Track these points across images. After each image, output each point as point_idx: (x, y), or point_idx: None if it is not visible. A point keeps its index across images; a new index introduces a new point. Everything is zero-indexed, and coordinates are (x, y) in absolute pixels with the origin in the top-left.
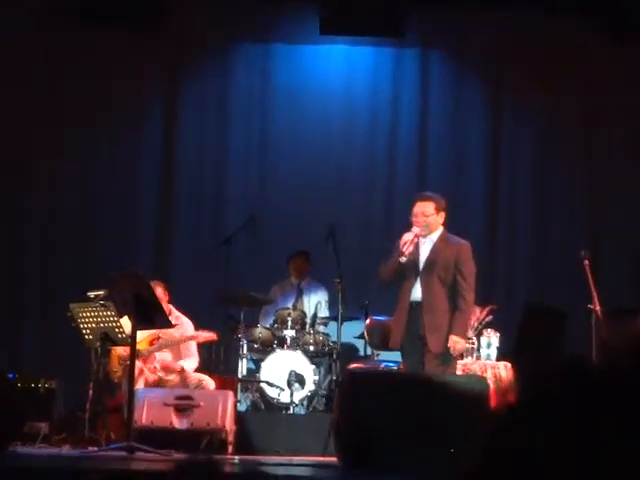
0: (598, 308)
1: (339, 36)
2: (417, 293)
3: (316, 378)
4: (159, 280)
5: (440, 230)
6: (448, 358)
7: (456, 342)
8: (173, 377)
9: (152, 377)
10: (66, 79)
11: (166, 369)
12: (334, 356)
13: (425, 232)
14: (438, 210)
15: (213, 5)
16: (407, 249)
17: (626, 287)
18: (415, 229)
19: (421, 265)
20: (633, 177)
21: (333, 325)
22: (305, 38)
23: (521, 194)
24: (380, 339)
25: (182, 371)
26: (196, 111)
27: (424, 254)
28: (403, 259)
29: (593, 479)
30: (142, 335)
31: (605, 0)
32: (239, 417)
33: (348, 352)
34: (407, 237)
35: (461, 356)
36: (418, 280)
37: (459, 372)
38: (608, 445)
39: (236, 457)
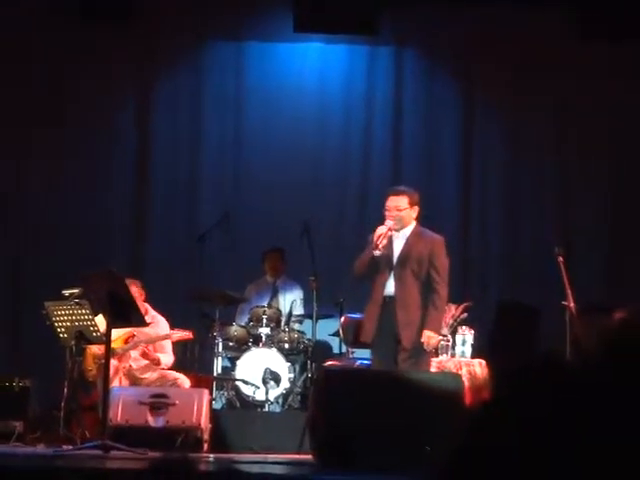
0: (572, 305)
1: (313, 34)
2: (390, 288)
3: (291, 376)
4: (134, 278)
5: (413, 224)
6: (421, 353)
7: (430, 337)
8: (148, 375)
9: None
10: (34, 78)
11: (144, 355)
12: (309, 354)
13: (398, 226)
14: (412, 204)
15: (186, 3)
16: (381, 242)
17: (597, 284)
18: (388, 223)
19: (394, 259)
20: (603, 174)
21: (308, 323)
22: (279, 36)
23: (493, 191)
24: (355, 336)
25: (158, 363)
26: (169, 110)
27: (397, 248)
28: (377, 253)
29: (567, 475)
30: (117, 333)
31: None
32: (214, 415)
33: (323, 350)
34: (381, 230)
35: (435, 352)
36: (392, 275)
37: (434, 369)
38: (582, 441)
39: (211, 455)
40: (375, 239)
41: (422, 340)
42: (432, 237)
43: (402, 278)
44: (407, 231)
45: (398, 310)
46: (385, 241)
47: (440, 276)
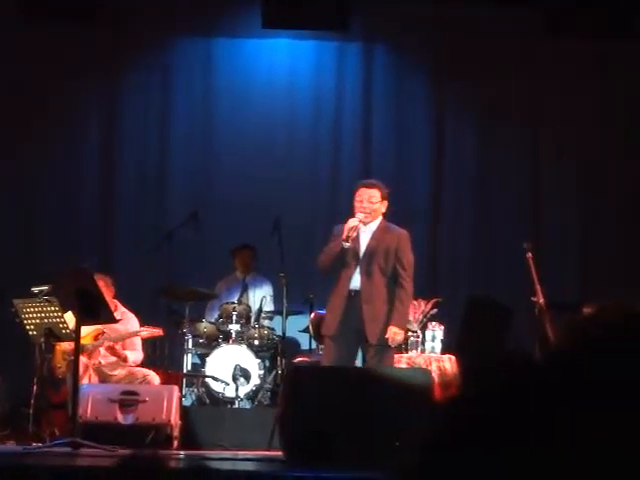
0: (541, 300)
1: (281, 30)
2: (356, 282)
3: (261, 372)
4: (105, 274)
5: (380, 219)
6: (386, 349)
7: (396, 333)
8: (118, 372)
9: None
10: (1, 78)
11: (112, 351)
12: (279, 350)
13: (369, 219)
14: (382, 198)
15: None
16: (353, 234)
17: (567, 281)
18: (360, 215)
19: (361, 253)
20: (573, 172)
21: (278, 319)
22: (247, 32)
23: (464, 187)
24: (317, 329)
25: (126, 360)
26: (138, 107)
27: (364, 242)
28: (347, 245)
29: (534, 473)
30: (86, 330)
31: None
32: (184, 412)
33: (293, 346)
34: (353, 222)
35: (402, 347)
36: (358, 268)
37: (404, 365)
38: (549, 439)
39: (181, 452)
40: (346, 231)
41: (387, 336)
42: (398, 232)
43: (369, 272)
44: (374, 225)
45: (364, 305)
46: (355, 234)
47: (406, 271)
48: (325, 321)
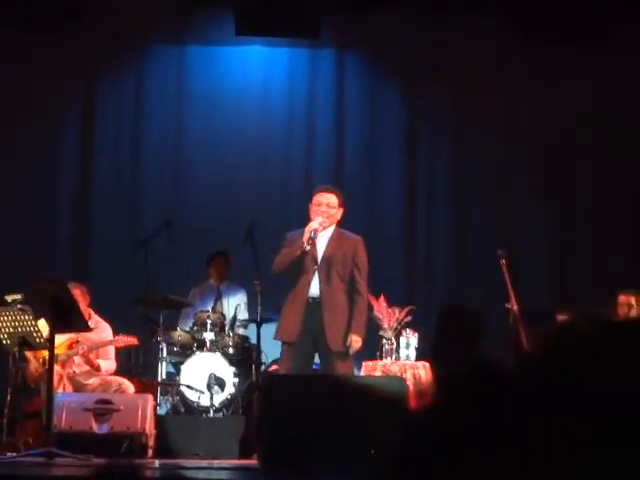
0: (515, 307)
1: (255, 37)
2: (315, 288)
3: (236, 381)
4: (79, 283)
5: (334, 226)
6: (345, 356)
7: (356, 342)
8: (92, 381)
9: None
10: None
11: (85, 359)
12: (253, 359)
13: (327, 224)
14: (340, 205)
15: (128, 6)
16: (316, 236)
17: (541, 288)
18: (319, 219)
19: (319, 259)
20: (547, 177)
21: (252, 327)
22: (221, 39)
23: (438, 194)
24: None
25: (98, 369)
26: (112, 114)
27: (321, 249)
28: (307, 247)
29: None
30: (60, 339)
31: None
32: (159, 421)
33: (268, 354)
34: (313, 225)
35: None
36: (316, 275)
37: (378, 373)
38: (522, 447)
39: (156, 461)
40: (307, 233)
41: (347, 344)
42: (354, 238)
43: (328, 279)
44: (329, 231)
45: (325, 312)
46: (316, 236)
47: (362, 277)
48: (282, 327)
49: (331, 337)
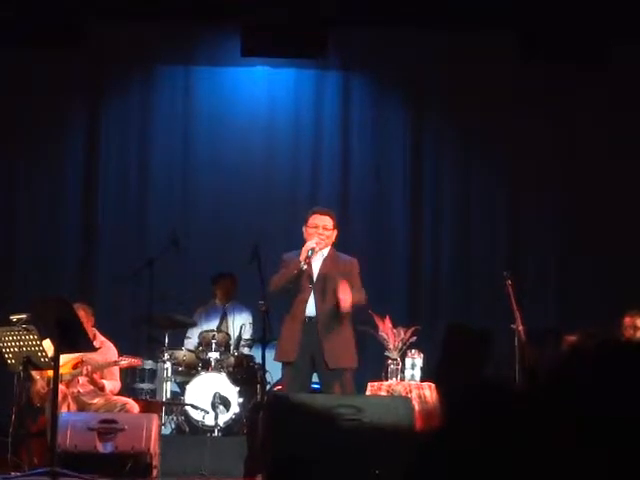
0: (521, 328)
1: (260, 58)
2: (312, 308)
3: (241, 400)
4: (84, 303)
5: (329, 247)
6: (343, 373)
7: (345, 300)
8: (97, 401)
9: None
10: None
11: (91, 380)
12: (258, 378)
13: (322, 245)
14: (334, 227)
15: (133, 27)
16: (313, 256)
17: (548, 309)
18: (315, 239)
19: (315, 279)
20: (554, 199)
21: (257, 347)
22: (226, 60)
23: (443, 216)
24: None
25: (103, 389)
26: (119, 135)
27: (316, 269)
28: (305, 266)
29: None
30: (65, 359)
31: (525, 20)
32: (164, 440)
33: (272, 374)
34: (310, 245)
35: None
36: (312, 295)
37: (383, 393)
38: (530, 468)
39: None
40: (304, 252)
41: (340, 300)
42: (350, 259)
43: (324, 298)
44: (324, 252)
45: (322, 331)
46: (312, 255)
47: (360, 287)
48: (281, 347)
49: (329, 356)
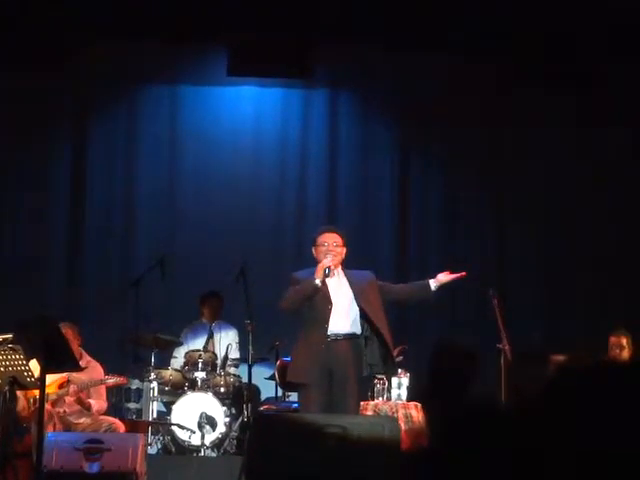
0: (507, 347)
1: (247, 77)
2: (333, 327)
3: (227, 420)
4: (70, 322)
5: (340, 268)
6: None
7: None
8: (83, 420)
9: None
10: None
11: (78, 400)
12: (245, 398)
13: (336, 261)
14: (344, 244)
15: (118, 46)
16: (330, 273)
17: (533, 329)
18: (329, 256)
19: (332, 297)
20: (539, 219)
21: (244, 366)
22: (213, 79)
23: (429, 236)
24: (283, 377)
25: (90, 408)
26: (104, 154)
27: (333, 289)
28: (319, 284)
29: None
30: (51, 378)
31: (508, 46)
32: (150, 460)
33: (259, 394)
34: (327, 263)
35: (365, 396)
36: (332, 313)
37: (370, 412)
38: None
39: None
40: (320, 269)
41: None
42: (366, 272)
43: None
44: (338, 272)
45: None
46: (329, 273)
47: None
48: (298, 368)
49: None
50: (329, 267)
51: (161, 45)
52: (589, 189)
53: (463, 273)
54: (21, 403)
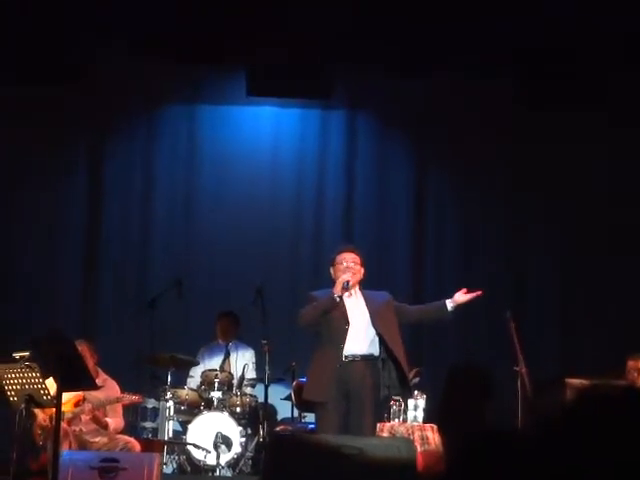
0: (524, 370)
1: (266, 97)
2: (349, 348)
3: (243, 440)
4: (86, 340)
5: (358, 288)
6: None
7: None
8: (98, 439)
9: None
10: None
11: (95, 418)
12: (261, 418)
13: (354, 280)
14: (362, 264)
15: (139, 66)
16: (349, 288)
17: (550, 352)
18: (348, 273)
19: (349, 317)
20: (556, 238)
21: (260, 387)
22: (232, 99)
23: (446, 254)
24: (299, 396)
25: (107, 427)
26: (122, 173)
27: (350, 309)
28: (338, 298)
29: None
30: (67, 397)
31: (522, 66)
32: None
33: (275, 414)
34: (346, 277)
35: (381, 417)
36: (349, 332)
37: (385, 434)
38: None
39: None
40: (339, 284)
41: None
42: (382, 292)
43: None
44: (355, 292)
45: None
46: (348, 288)
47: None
48: (314, 386)
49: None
50: (348, 281)
51: (181, 64)
52: (609, 205)
53: (479, 292)
54: (41, 416)
